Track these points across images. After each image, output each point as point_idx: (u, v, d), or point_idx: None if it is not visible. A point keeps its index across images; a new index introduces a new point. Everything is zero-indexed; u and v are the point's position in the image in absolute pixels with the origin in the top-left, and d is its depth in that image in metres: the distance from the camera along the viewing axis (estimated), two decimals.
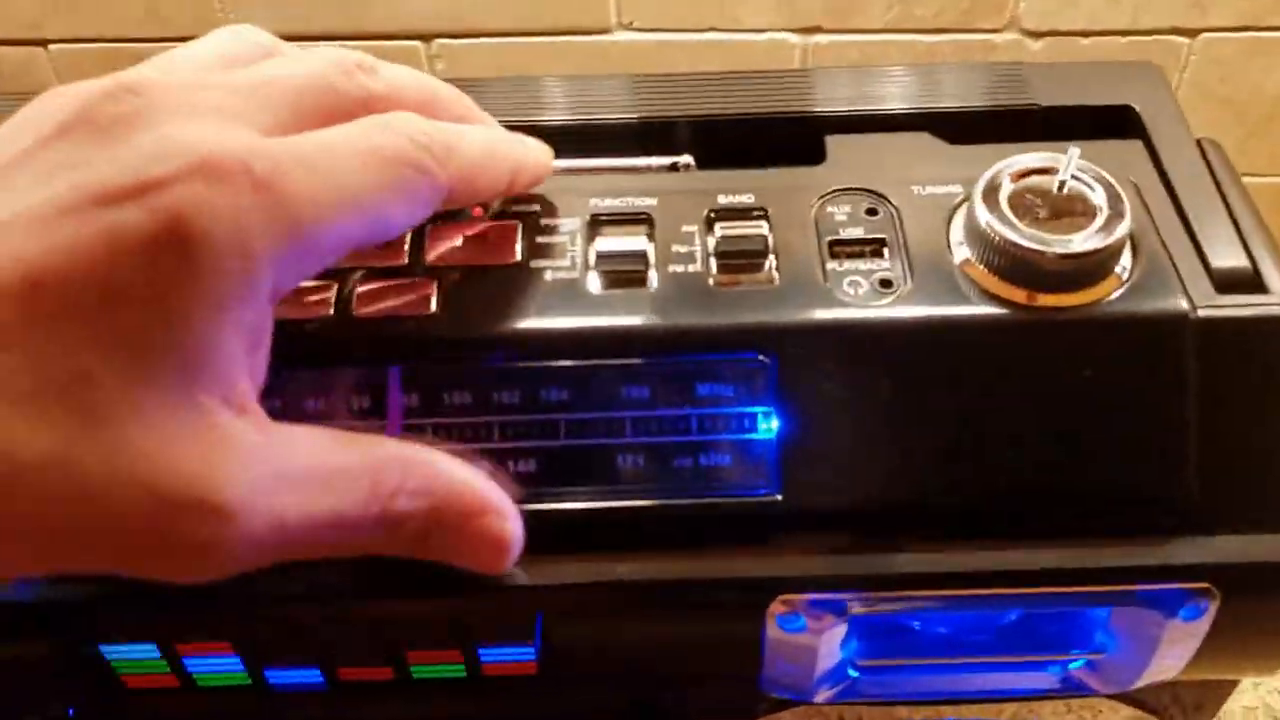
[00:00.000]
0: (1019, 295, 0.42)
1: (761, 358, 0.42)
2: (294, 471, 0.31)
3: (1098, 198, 0.42)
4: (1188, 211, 0.45)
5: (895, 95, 0.51)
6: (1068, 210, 0.42)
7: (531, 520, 0.38)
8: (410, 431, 0.41)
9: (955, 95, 0.51)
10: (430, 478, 0.35)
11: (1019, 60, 0.52)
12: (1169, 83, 0.51)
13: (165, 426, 0.28)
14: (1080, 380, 0.42)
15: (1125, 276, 0.42)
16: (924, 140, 0.48)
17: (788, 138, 0.50)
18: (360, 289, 0.42)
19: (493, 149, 0.40)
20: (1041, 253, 0.41)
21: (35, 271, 0.27)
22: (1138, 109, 0.50)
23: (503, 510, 0.37)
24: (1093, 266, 0.41)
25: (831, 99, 0.51)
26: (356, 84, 0.38)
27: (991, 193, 0.42)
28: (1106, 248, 0.41)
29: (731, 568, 0.41)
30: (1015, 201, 0.42)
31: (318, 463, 0.32)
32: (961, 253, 0.43)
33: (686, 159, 0.49)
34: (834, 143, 0.49)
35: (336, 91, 0.37)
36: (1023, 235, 0.41)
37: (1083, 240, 0.41)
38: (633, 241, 0.44)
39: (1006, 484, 0.41)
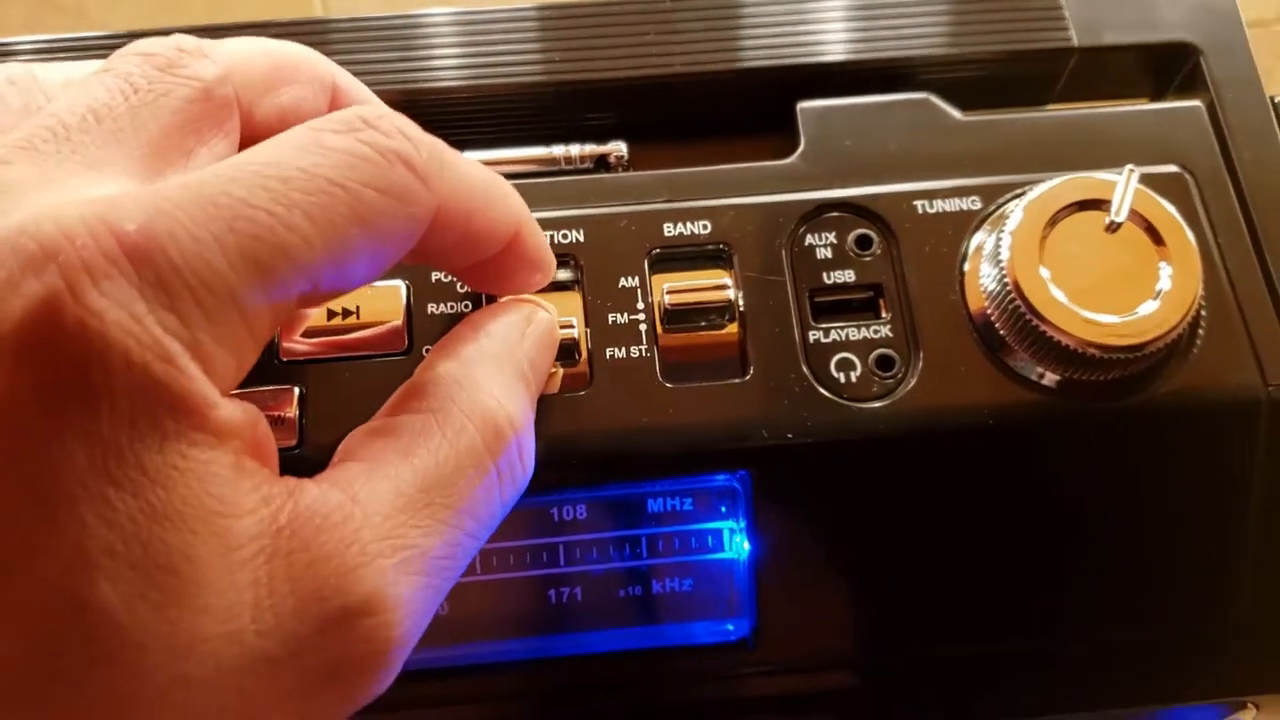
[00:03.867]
0: (1053, 375, 0.33)
1: (730, 480, 0.33)
2: (391, 509, 0.23)
3: (1159, 255, 0.32)
4: (1262, 237, 0.35)
5: (886, 32, 0.39)
6: (1121, 269, 0.32)
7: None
8: None
9: (965, 29, 0.39)
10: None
11: None
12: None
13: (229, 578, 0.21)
14: (1128, 480, 0.34)
15: (1186, 347, 0.33)
16: (926, 109, 0.37)
17: (745, 101, 0.39)
18: None
19: (496, 179, 0.28)
20: (1088, 343, 0.31)
21: None
22: (1198, 45, 0.39)
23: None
24: (1151, 354, 0.32)
25: (803, 41, 0.39)
26: (182, 77, 0.26)
27: (1022, 247, 0.32)
28: (1170, 332, 0.32)
29: None
30: (1053, 258, 0.32)
31: (410, 479, 0.24)
32: (980, 309, 0.33)
33: (619, 148, 0.37)
34: (807, 115, 0.37)
35: (163, 94, 0.25)
36: (1063, 320, 0.31)
37: (1141, 329, 0.31)
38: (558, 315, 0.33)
39: (1040, 615, 0.34)
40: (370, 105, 0.25)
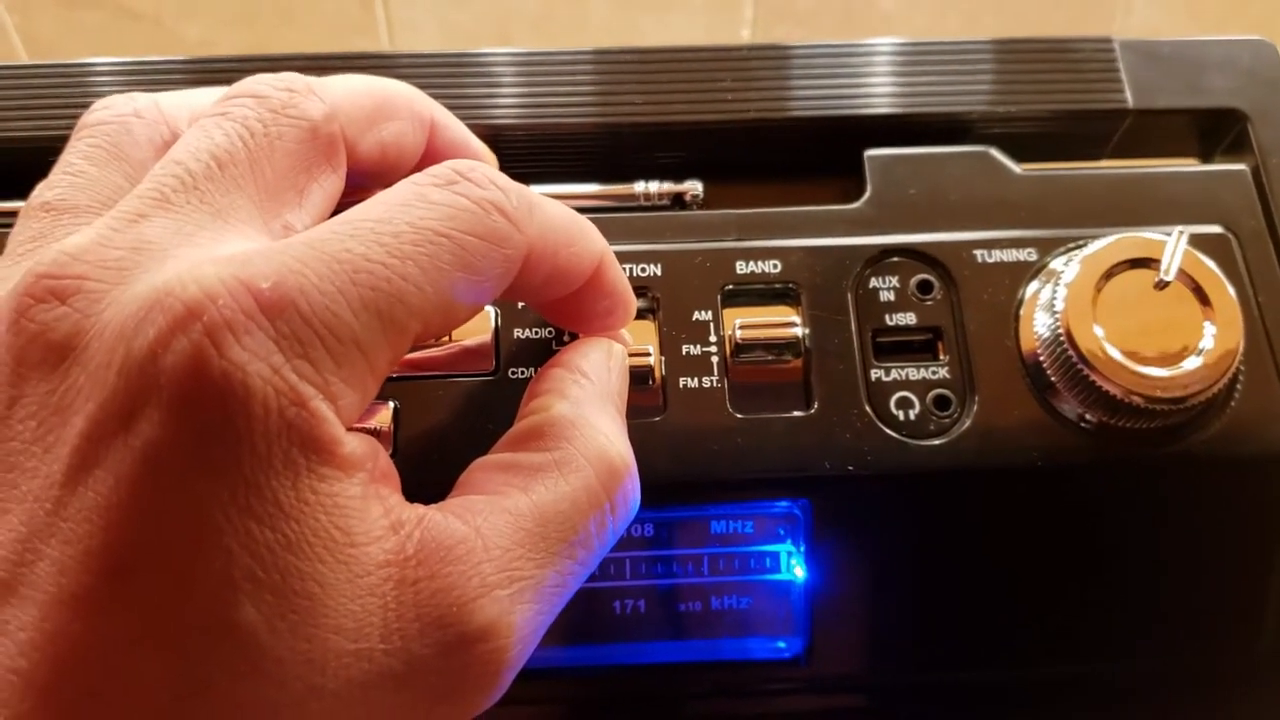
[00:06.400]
0: (1098, 420, 0.35)
1: (791, 507, 0.35)
2: (510, 543, 0.25)
3: (1204, 315, 0.34)
4: None
5: (951, 87, 0.41)
6: (1168, 325, 0.34)
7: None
8: None
9: (1027, 87, 0.41)
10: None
11: (1108, 33, 0.42)
12: None
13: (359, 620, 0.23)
14: (1163, 521, 0.36)
15: (1224, 400, 0.35)
16: (986, 162, 0.39)
17: (815, 146, 0.41)
18: None
19: (578, 218, 0.30)
20: (1133, 393, 0.33)
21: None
22: (1246, 112, 0.41)
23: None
24: (1192, 406, 0.34)
25: (869, 93, 0.41)
26: (293, 117, 0.28)
27: (1077, 300, 0.34)
28: (1210, 388, 0.34)
29: None
30: (1104, 311, 0.34)
31: (529, 514, 0.26)
32: (1033, 355, 0.35)
33: (695, 187, 0.39)
34: (874, 163, 0.39)
35: (278, 137, 0.28)
36: (1111, 370, 0.33)
37: (1183, 384, 0.33)
38: (636, 343, 0.35)
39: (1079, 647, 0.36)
40: (463, 160, 0.27)
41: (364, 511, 0.23)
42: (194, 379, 0.21)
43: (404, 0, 0.78)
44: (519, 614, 0.25)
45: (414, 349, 0.34)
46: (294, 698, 0.22)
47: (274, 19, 0.77)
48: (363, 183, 0.32)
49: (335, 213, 0.27)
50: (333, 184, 0.29)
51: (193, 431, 0.21)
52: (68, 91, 0.41)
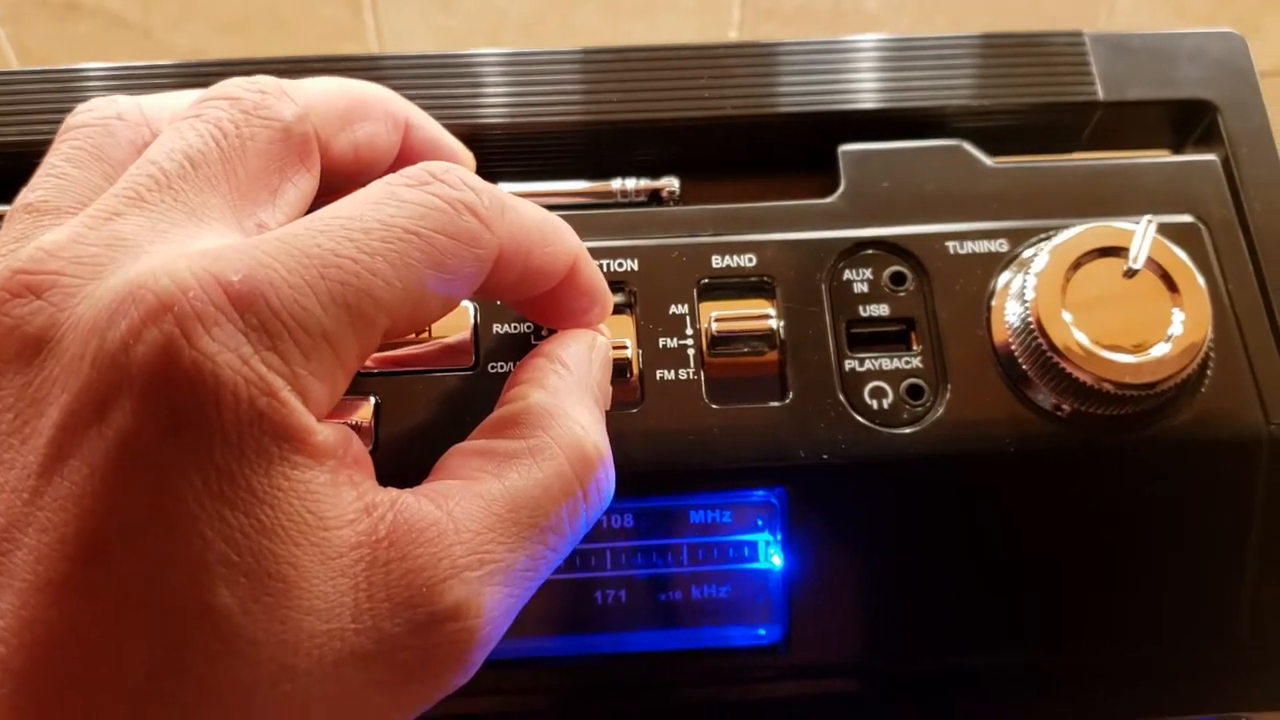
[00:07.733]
0: (1069, 408, 0.35)
1: (768, 496, 0.36)
2: (481, 527, 0.26)
3: (1172, 301, 0.35)
4: (1269, 284, 0.37)
5: (924, 82, 0.42)
6: (1137, 312, 0.35)
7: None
8: None
9: (998, 81, 0.42)
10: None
11: (1078, 26, 0.42)
12: (1251, 60, 0.42)
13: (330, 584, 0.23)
14: (1135, 507, 0.36)
15: (1194, 386, 0.36)
16: (959, 155, 0.40)
17: (790, 142, 0.41)
18: None
19: (551, 219, 0.30)
20: (1103, 379, 0.34)
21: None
22: (1216, 103, 0.41)
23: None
24: (1162, 392, 0.35)
25: (844, 89, 0.41)
26: (265, 118, 0.29)
27: (1046, 289, 0.35)
28: (1179, 373, 0.34)
29: None
30: (1074, 300, 0.35)
31: (501, 499, 0.26)
32: (1005, 344, 0.36)
33: (671, 184, 0.40)
34: (848, 157, 0.40)
35: (250, 138, 0.28)
36: (1081, 357, 0.34)
37: (1153, 370, 0.34)
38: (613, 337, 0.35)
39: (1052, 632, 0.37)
40: (437, 161, 0.28)
41: (336, 496, 0.24)
42: (165, 369, 0.22)
43: (393, 6, 0.79)
44: (488, 596, 0.25)
45: (393, 345, 0.35)
46: (268, 678, 0.22)
47: (264, 28, 0.77)
48: (337, 184, 0.33)
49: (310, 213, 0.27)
50: (306, 183, 0.30)
51: (165, 420, 0.22)
52: (57, 97, 0.42)
